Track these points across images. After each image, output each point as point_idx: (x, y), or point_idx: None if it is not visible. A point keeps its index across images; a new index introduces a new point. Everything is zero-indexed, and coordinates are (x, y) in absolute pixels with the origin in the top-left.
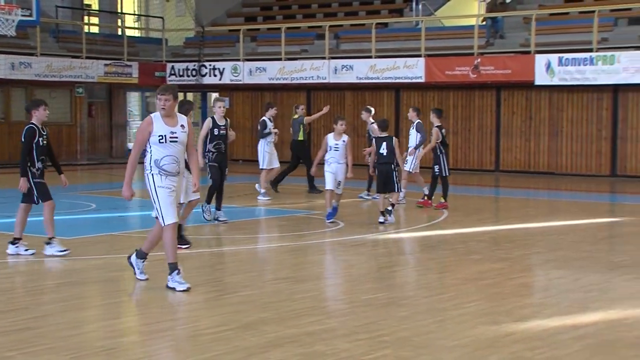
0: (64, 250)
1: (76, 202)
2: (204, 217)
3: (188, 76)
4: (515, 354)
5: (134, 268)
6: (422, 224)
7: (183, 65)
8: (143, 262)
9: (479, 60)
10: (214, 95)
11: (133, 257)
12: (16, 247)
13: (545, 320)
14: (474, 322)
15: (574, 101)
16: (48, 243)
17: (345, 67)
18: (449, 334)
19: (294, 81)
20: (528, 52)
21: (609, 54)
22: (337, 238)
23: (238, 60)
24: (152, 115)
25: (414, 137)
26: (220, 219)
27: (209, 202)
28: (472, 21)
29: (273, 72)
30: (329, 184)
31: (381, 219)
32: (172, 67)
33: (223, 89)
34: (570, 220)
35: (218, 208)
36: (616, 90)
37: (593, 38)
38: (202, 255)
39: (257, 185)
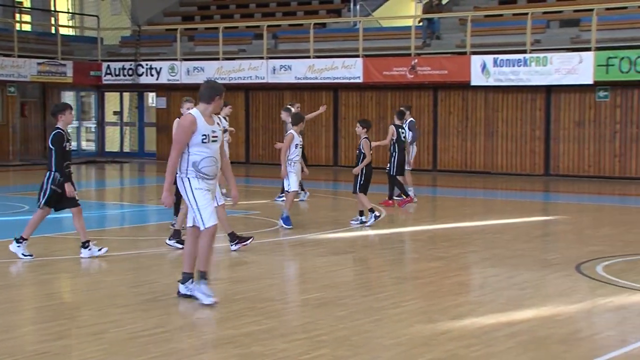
0: (102, 249)
1: (8, 203)
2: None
3: (124, 76)
4: (450, 352)
5: (196, 297)
6: (360, 224)
7: (119, 65)
8: (206, 283)
9: (416, 60)
10: (151, 95)
11: (189, 286)
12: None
13: (480, 318)
14: (410, 321)
15: (508, 101)
16: (85, 246)
17: (283, 67)
18: (386, 333)
19: (232, 81)
20: (464, 53)
21: (541, 55)
22: (276, 238)
23: (175, 59)
24: (192, 112)
25: (407, 135)
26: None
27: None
28: (409, 22)
29: (211, 71)
30: (295, 185)
31: (361, 219)
32: (108, 67)
33: (160, 89)
34: (505, 219)
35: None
36: (549, 90)
37: (526, 40)
38: (139, 257)
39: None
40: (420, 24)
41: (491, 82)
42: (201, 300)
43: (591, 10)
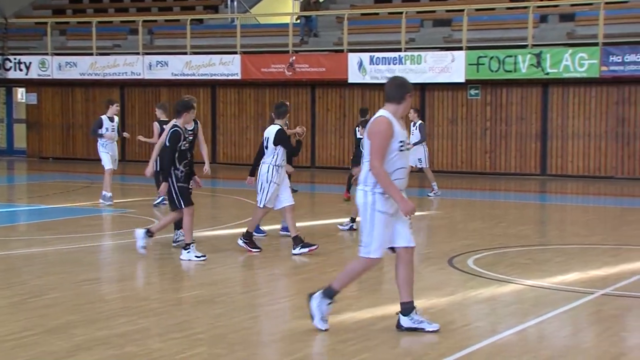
0: (202, 257)
1: None
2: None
3: None
4: (328, 347)
5: (313, 314)
6: (239, 221)
7: None
8: (329, 304)
9: (294, 58)
10: (20, 90)
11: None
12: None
13: (357, 312)
14: (288, 317)
15: (384, 99)
16: (185, 248)
17: (160, 63)
18: (264, 330)
19: (107, 77)
20: (341, 51)
21: (416, 53)
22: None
23: (46, 54)
24: (384, 115)
25: (415, 137)
26: None
27: None
28: (287, 19)
29: (84, 67)
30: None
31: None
32: None
33: (30, 84)
34: None
35: None
36: (423, 88)
37: (401, 38)
38: (9, 258)
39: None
40: (298, 21)
41: (368, 79)
42: (314, 320)
43: (462, 10)
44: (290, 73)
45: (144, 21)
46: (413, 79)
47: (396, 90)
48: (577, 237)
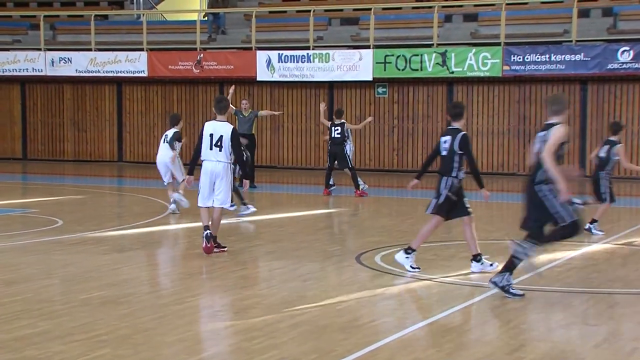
0: (493, 264)
1: None
2: None
3: None
4: (234, 345)
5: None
6: (145, 220)
7: None
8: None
9: (201, 55)
10: None
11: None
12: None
13: (264, 310)
14: (194, 317)
15: (293, 97)
16: (477, 260)
17: (63, 60)
18: (169, 329)
19: (7, 73)
20: (249, 49)
21: (324, 52)
22: (54, 237)
23: None
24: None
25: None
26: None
27: None
28: (194, 16)
29: None
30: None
31: None
32: None
33: None
34: (290, 212)
35: None
36: (331, 87)
37: (310, 36)
38: None
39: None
40: (206, 18)
41: (276, 77)
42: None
43: (369, 9)
44: (198, 70)
45: (46, 16)
46: (321, 77)
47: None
48: (481, 232)
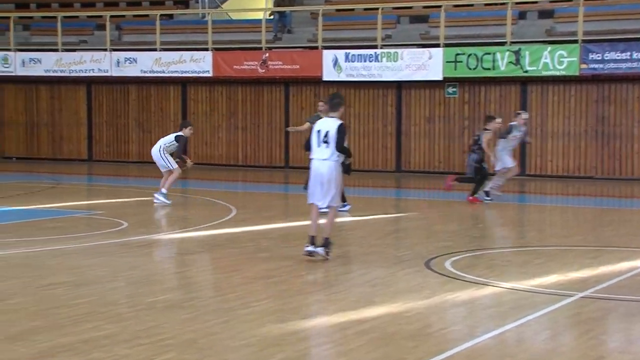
0: None
1: None
2: None
3: None
4: (301, 352)
5: None
6: (210, 223)
7: None
8: None
9: (267, 55)
10: None
11: None
12: None
13: (331, 316)
14: (260, 321)
15: (360, 97)
16: None
17: (128, 60)
18: (235, 334)
19: (73, 74)
20: (315, 48)
21: (392, 51)
22: (120, 239)
23: (9, 50)
24: None
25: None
26: None
27: None
28: (260, 15)
29: (49, 63)
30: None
31: None
32: None
33: None
34: (358, 216)
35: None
36: (400, 86)
37: (378, 35)
38: None
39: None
40: (272, 17)
41: (343, 77)
42: None
43: (439, 6)
44: (264, 70)
45: (112, 16)
46: (389, 76)
47: None
48: (556, 238)
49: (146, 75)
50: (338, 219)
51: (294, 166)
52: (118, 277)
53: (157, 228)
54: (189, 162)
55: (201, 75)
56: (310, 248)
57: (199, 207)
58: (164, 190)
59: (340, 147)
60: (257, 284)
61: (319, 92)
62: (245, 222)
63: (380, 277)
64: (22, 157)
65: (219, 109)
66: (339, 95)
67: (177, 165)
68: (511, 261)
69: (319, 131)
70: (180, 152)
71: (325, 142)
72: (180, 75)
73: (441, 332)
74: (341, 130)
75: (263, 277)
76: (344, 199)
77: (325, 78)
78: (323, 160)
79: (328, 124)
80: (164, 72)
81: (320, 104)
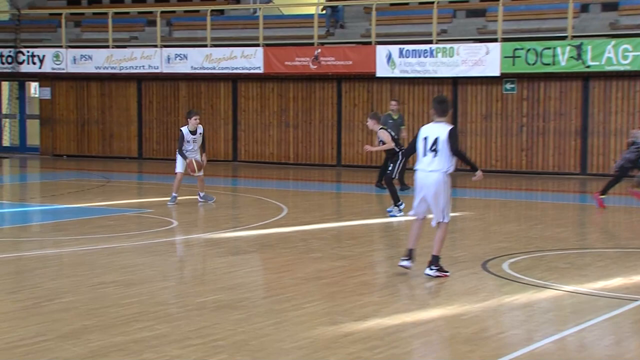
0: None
1: None
2: None
3: (3, 63)
4: (353, 355)
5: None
6: (261, 222)
7: None
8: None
9: (319, 50)
10: (33, 84)
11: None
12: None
13: (385, 318)
14: (312, 323)
15: (415, 94)
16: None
17: (178, 56)
18: (287, 336)
19: (124, 70)
20: (369, 43)
21: (448, 46)
22: (170, 238)
23: (60, 47)
24: None
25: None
26: None
27: None
28: (312, 10)
29: (100, 60)
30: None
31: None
32: None
33: (44, 78)
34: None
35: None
36: (455, 82)
37: (433, 30)
38: (21, 259)
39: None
40: (324, 12)
41: (397, 73)
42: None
43: (497, 0)
44: (315, 66)
45: (163, 12)
46: (445, 72)
47: None
48: (619, 240)
49: (196, 71)
50: (393, 219)
51: (346, 164)
52: (168, 276)
53: (207, 227)
54: (197, 171)
55: (252, 71)
56: (405, 262)
57: (250, 206)
58: (202, 193)
59: (455, 150)
60: (308, 285)
61: (372, 89)
62: (297, 222)
63: (435, 278)
64: (72, 155)
65: (270, 106)
66: (446, 98)
67: (178, 169)
68: (572, 263)
69: (425, 138)
70: (179, 146)
71: (434, 150)
72: (230, 71)
73: (498, 337)
74: (453, 135)
75: (315, 278)
76: (397, 199)
77: (378, 74)
78: (430, 171)
79: (437, 130)
80: (214, 68)
81: (393, 103)
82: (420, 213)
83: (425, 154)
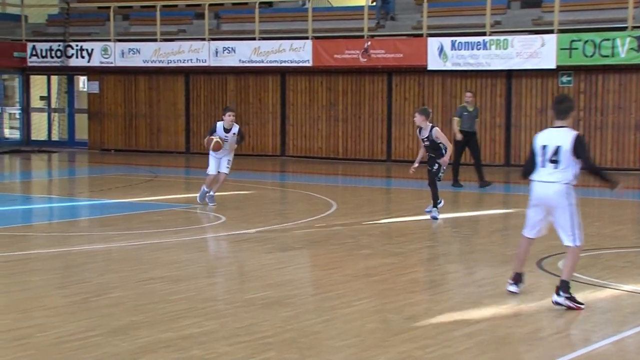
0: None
1: None
2: None
3: (52, 57)
4: (405, 354)
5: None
6: (309, 218)
7: (46, 45)
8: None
9: (369, 43)
10: (82, 78)
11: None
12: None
13: (436, 317)
14: (362, 321)
15: (467, 87)
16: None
17: (226, 50)
18: (337, 334)
19: (171, 64)
20: (420, 35)
21: (502, 37)
22: (218, 234)
23: (109, 40)
24: None
25: None
26: None
27: None
28: (362, 2)
29: (148, 53)
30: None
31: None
32: (34, 47)
33: (92, 72)
34: (463, 212)
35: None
36: (509, 75)
37: (486, 21)
38: (70, 254)
39: None
40: (374, 3)
41: (449, 66)
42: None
43: None
44: (365, 59)
45: (211, 5)
46: (498, 65)
47: None
48: None
49: (244, 65)
50: (441, 215)
51: (396, 159)
52: (216, 272)
53: (256, 223)
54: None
55: (300, 64)
56: (512, 288)
57: (298, 201)
58: (212, 192)
59: (588, 165)
60: (358, 282)
61: (424, 82)
62: (346, 218)
63: (488, 277)
64: (120, 149)
65: (319, 99)
66: (568, 97)
67: (210, 171)
68: (631, 262)
69: (544, 146)
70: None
71: (554, 161)
72: (279, 65)
73: (555, 337)
74: (580, 145)
75: (364, 275)
76: (437, 196)
77: (430, 67)
78: (550, 182)
79: (558, 137)
80: (262, 61)
81: (468, 94)
82: (531, 232)
83: (544, 165)
